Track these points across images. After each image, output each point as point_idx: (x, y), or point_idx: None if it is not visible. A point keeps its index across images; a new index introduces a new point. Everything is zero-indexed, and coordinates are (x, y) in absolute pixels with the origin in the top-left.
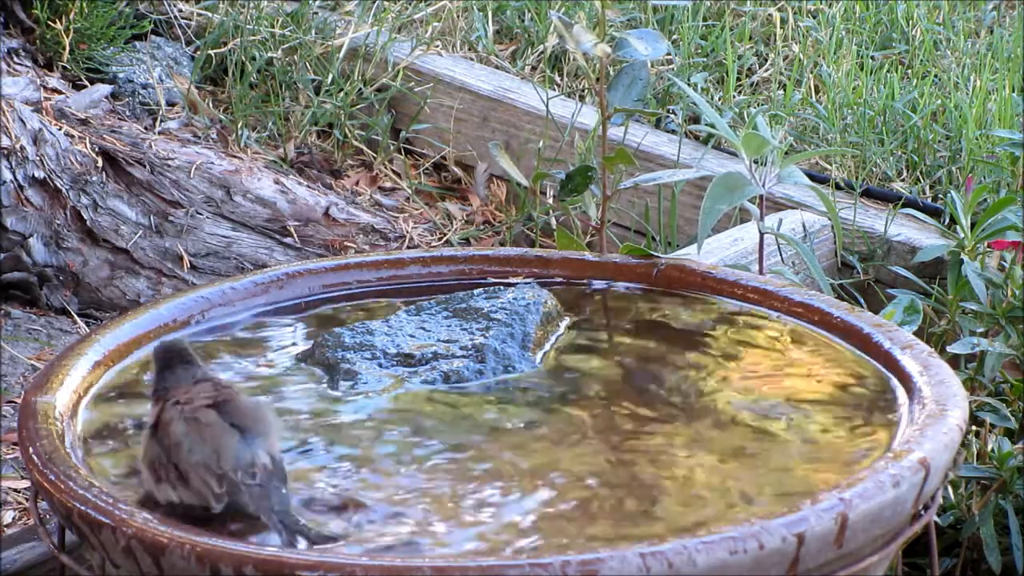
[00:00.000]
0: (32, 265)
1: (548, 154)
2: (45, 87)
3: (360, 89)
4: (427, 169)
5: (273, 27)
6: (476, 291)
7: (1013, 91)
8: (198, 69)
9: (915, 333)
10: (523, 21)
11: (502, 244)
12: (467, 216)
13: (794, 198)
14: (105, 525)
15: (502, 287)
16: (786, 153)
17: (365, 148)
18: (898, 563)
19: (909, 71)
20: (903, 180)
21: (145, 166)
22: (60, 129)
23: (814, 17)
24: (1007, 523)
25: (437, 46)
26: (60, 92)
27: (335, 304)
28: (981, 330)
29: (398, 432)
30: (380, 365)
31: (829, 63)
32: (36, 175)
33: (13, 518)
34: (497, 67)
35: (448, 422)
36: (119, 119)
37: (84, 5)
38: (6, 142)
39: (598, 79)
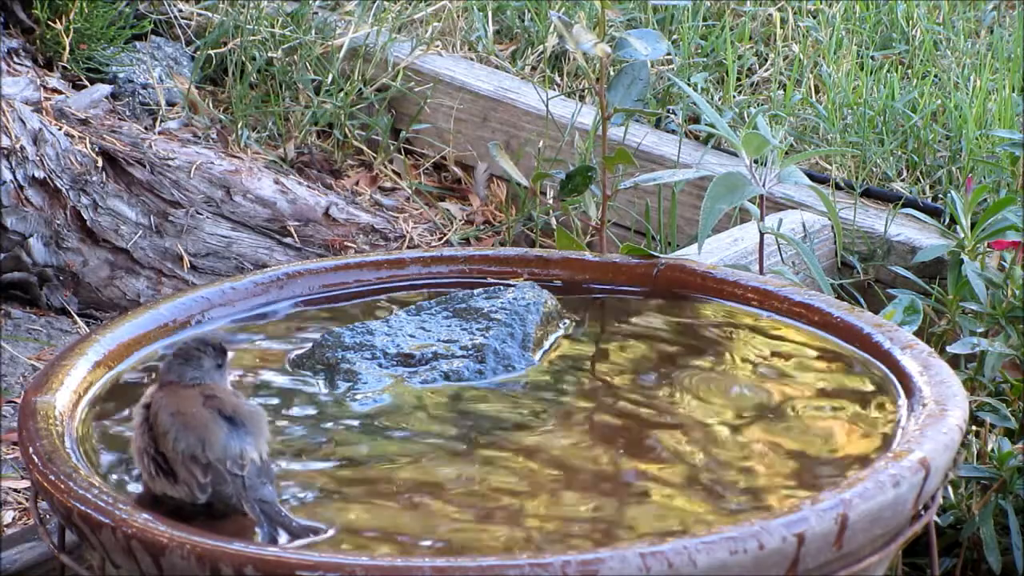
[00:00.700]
0: (32, 265)
1: (548, 154)
2: (45, 87)
3: (360, 89)
4: (427, 169)
5: (273, 27)
6: (476, 291)
7: (1013, 91)
8: (198, 69)
9: (915, 333)
10: (523, 21)
11: (502, 244)
12: (467, 216)
13: (794, 198)
14: (105, 525)
15: (502, 287)
16: (786, 153)
17: (365, 148)
18: (898, 563)
19: (909, 71)
20: (903, 180)
21: (145, 166)
22: (60, 129)
23: (814, 17)
24: (1007, 523)
25: (437, 46)
26: (60, 92)
27: (335, 304)
28: (981, 330)
29: (397, 432)
30: (380, 365)
31: (829, 63)
32: (36, 175)
33: (13, 518)
34: (497, 67)
35: (448, 422)
36: (119, 119)
37: (84, 5)
38: (6, 142)
39: (598, 79)
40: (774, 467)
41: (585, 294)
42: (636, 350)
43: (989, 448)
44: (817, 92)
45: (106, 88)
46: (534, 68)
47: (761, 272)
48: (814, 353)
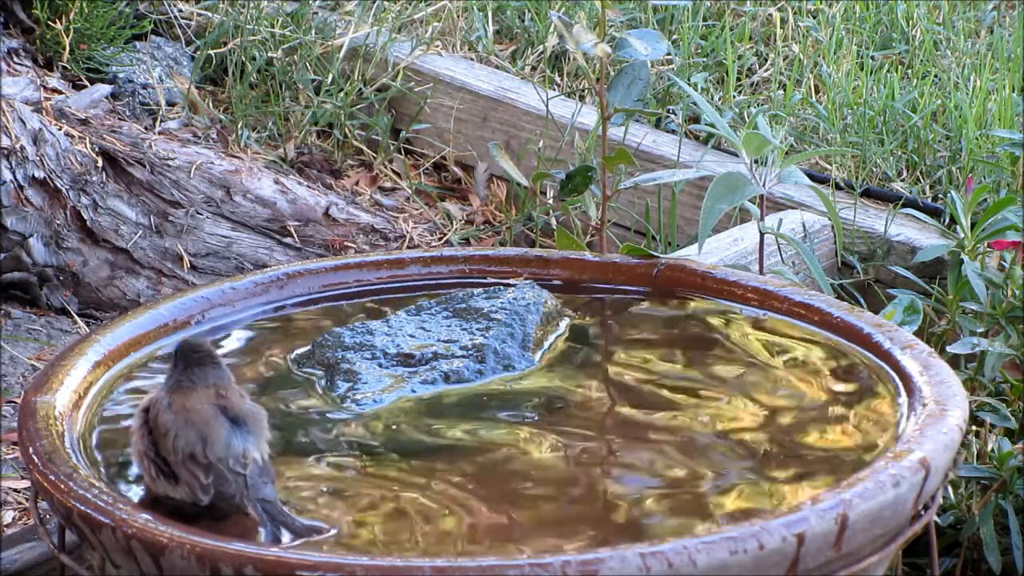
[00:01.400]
0: (32, 265)
1: (548, 154)
2: (45, 87)
3: (360, 89)
4: (427, 169)
5: (273, 27)
6: (476, 291)
7: (1013, 91)
8: (198, 69)
9: (915, 333)
10: (523, 21)
11: (502, 244)
12: (467, 216)
13: (794, 198)
14: (105, 525)
15: (502, 287)
16: (786, 153)
17: (365, 148)
18: (898, 563)
19: (909, 71)
20: (903, 180)
21: (145, 166)
22: (60, 129)
23: (814, 17)
24: (1007, 523)
25: (437, 46)
26: (60, 92)
27: (335, 304)
28: (981, 330)
29: (397, 432)
30: (380, 365)
31: (829, 63)
32: (36, 175)
33: (13, 518)
34: (497, 67)
35: (448, 422)
36: (119, 119)
37: (84, 5)
38: (6, 142)
39: (598, 79)
40: (774, 467)
41: (585, 294)
42: (636, 350)
43: (989, 448)
44: (817, 92)
45: (106, 88)
46: (534, 68)
47: (761, 272)
48: (814, 353)
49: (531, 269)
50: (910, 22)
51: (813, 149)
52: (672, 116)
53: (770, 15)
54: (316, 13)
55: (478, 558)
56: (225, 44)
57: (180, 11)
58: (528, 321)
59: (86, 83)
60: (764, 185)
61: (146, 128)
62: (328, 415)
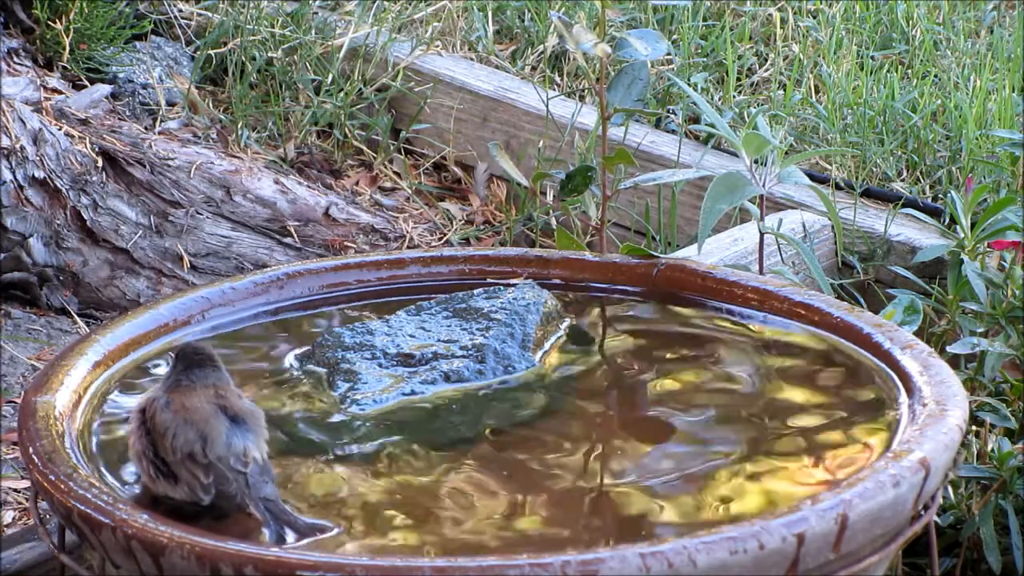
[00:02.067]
0: (32, 265)
1: (548, 154)
2: (45, 87)
3: (360, 89)
4: (427, 169)
5: (273, 27)
6: (476, 291)
7: (1013, 91)
8: (198, 69)
9: (915, 333)
10: (523, 21)
11: (502, 244)
12: (467, 216)
13: (794, 198)
14: (105, 525)
15: (502, 287)
16: (786, 153)
17: (365, 148)
18: (898, 563)
19: (909, 71)
20: (903, 180)
21: (145, 166)
22: (60, 129)
23: (814, 17)
24: (1007, 523)
25: (437, 46)
26: (60, 92)
27: (335, 304)
28: (981, 330)
29: (397, 432)
30: (380, 365)
31: (829, 63)
32: (36, 175)
33: (13, 518)
34: (497, 67)
35: (448, 422)
36: (119, 119)
37: (84, 5)
38: (6, 142)
39: (598, 79)
40: (774, 466)
41: (585, 294)
42: (636, 350)
43: (989, 448)
44: (817, 92)
45: (106, 88)
46: (534, 68)
47: (761, 272)
48: (814, 353)
49: (531, 269)
50: (910, 22)
51: (813, 149)
52: (672, 116)
53: (770, 15)
54: (316, 13)
55: (478, 558)
56: (225, 44)
57: (180, 11)
58: (528, 321)
59: (86, 83)
60: (764, 185)
61: (146, 128)
62: (328, 415)
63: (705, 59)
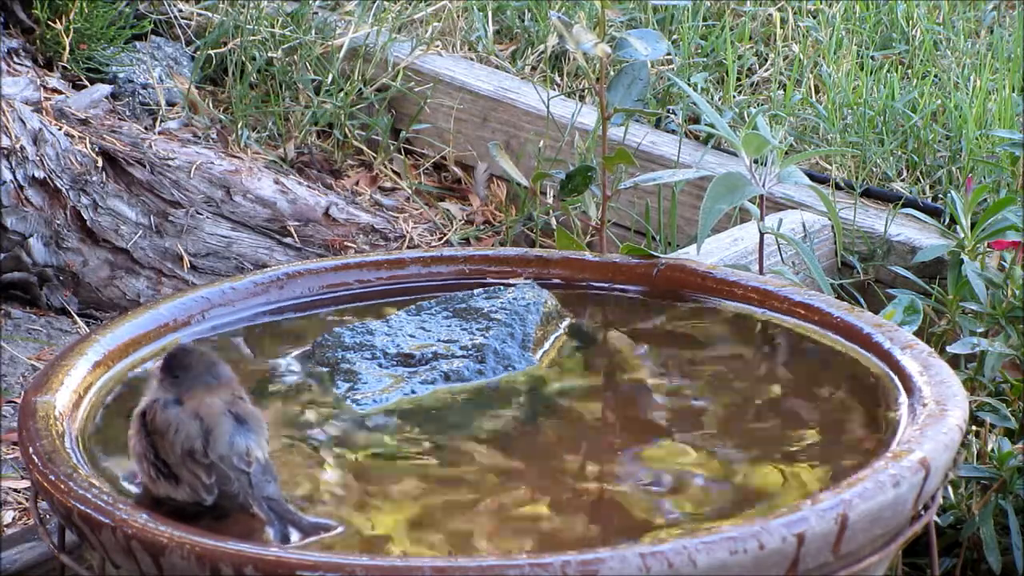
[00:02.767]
0: (32, 265)
1: (548, 154)
2: (45, 87)
3: (360, 89)
4: (427, 169)
5: (273, 27)
6: (476, 291)
7: (1013, 91)
8: (198, 69)
9: (915, 333)
10: (523, 21)
11: (502, 244)
12: (467, 216)
13: (794, 198)
14: (105, 525)
15: (502, 287)
16: (786, 153)
17: (365, 148)
18: (898, 563)
19: (909, 71)
20: (903, 180)
21: (145, 166)
22: (60, 129)
23: (814, 17)
24: (1007, 523)
25: (437, 46)
26: (60, 92)
27: (335, 304)
28: (981, 330)
29: (397, 432)
30: (380, 365)
31: (829, 63)
32: (36, 175)
33: (13, 518)
34: (497, 67)
35: (448, 422)
36: (119, 119)
37: (84, 5)
38: (6, 142)
39: (598, 79)
40: (773, 466)
41: (585, 294)
42: (636, 350)
43: (989, 448)
44: (817, 92)
45: (106, 88)
46: (534, 68)
47: (761, 272)
48: (814, 353)
49: (531, 269)
50: (910, 22)
51: (813, 149)
52: (672, 116)
53: (770, 15)
54: (316, 13)
55: (478, 558)
56: (225, 44)
57: (180, 11)
58: (528, 321)
59: (86, 83)
60: (764, 185)
61: (146, 128)
62: (328, 415)
63: (705, 59)
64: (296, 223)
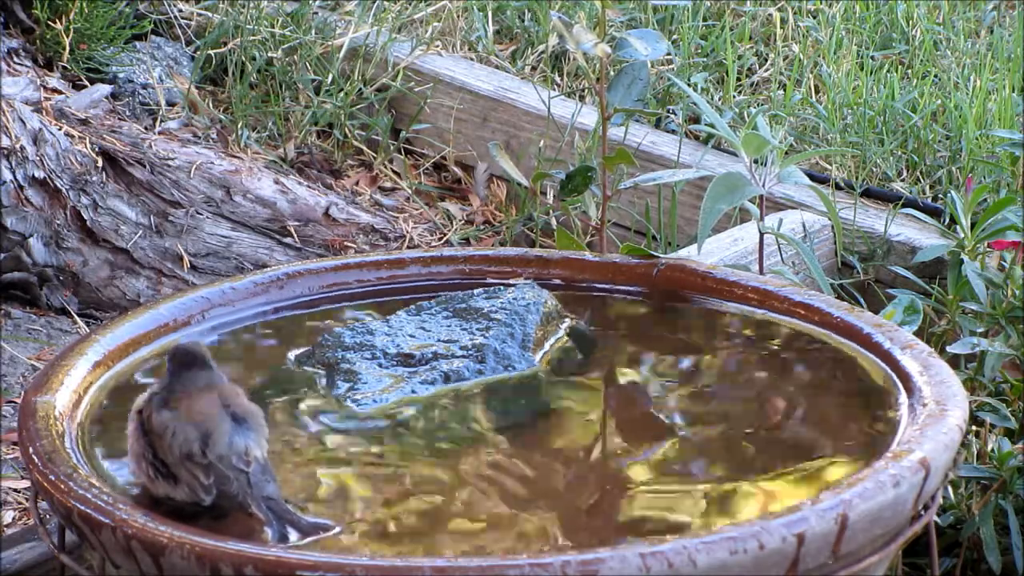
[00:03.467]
0: (32, 265)
1: (548, 154)
2: (45, 87)
3: (360, 89)
4: (427, 169)
5: (273, 27)
6: (476, 291)
7: (1013, 91)
8: (198, 69)
9: (915, 333)
10: (523, 21)
11: (502, 244)
12: (467, 216)
13: (794, 198)
14: (105, 525)
15: (502, 287)
16: (786, 153)
17: (365, 148)
18: (898, 563)
19: (909, 71)
20: (903, 180)
21: (145, 166)
22: (60, 129)
23: (814, 17)
24: (1007, 523)
25: (437, 46)
26: (60, 92)
27: (335, 304)
28: (981, 330)
29: (397, 432)
30: (380, 365)
31: (829, 63)
32: (36, 175)
33: (13, 518)
34: (497, 67)
35: (448, 422)
36: (119, 119)
37: (84, 5)
38: (6, 142)
39: (598, 79)
40: (773, 467)
41: (585, 294)
42: (636, 350)
43: (989, 448)
44: (817, 92)
45: (106, 88)
46: (534, 68)
47: (761, 272)
48: (814, 353)
49: (531, 269)
50: (910, 22)
51: (813, 149)
52: (672, 116)
53: (770, 15)
54: (316, 13)
55: (478, 558)
56: (225, 44)
57: (180, 11)
58: (528, 321)
59: (86, 83)
60: (764, 185)
61: (146, 128)
62: (328, 415)
63: (705, 59)
64: (296, 223)
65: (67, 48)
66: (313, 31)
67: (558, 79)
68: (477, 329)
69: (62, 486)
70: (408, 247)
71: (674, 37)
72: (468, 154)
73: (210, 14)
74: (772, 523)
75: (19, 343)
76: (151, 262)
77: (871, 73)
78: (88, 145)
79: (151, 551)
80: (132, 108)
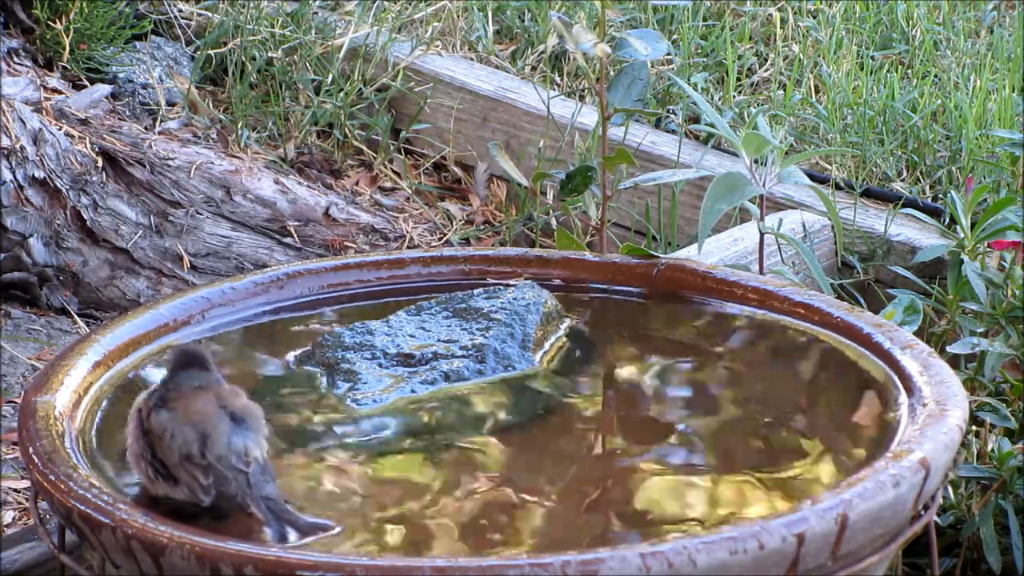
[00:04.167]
0: (32, 265)
1: (548, 154)
2: (45, 87)
3: (360, 89)
4: (427, 169)
5: (273, 27)
6: (476, 291)
7: (1013, 91)
8: (198, 69)
9: (915, 333)
10: (523, 21)
11: (502, 244)
12: (467, 216)
13: (794, 198)
14: (105, 525)
15: (502, 287)
16: (786, 153)
17: (365, 148)
18: (898, 563)
19: (909, 71)
20: (903, 180)
21: (145, 166)
22: (60, 129)
23: (814, 17)
24: (1007, 523)
25: (437, 46)
26: (60, 92)
27: (335, 304)
28: (981, 330)
29: (397, 432)
30: (380, 365)
31: (829, 63)
32: (36, 175)
33: (13, 518)
34: (497, 67)
35: (448, 422)
36: (119, 119)
37: (84, 5)
38: (6, 142)
39: (598, 79)
40: (773, 466)
41: (585, 294)
42: (636, 350)
43: (989, 448)
44: (817, 92)
45: (106, 88)
46: (534, 68)
47: (761, 272)
48: (814, 353)
49: (531, 269)
50: (910, 22)
51: (813, 149)
52: (672, 116)
53: (770, 15)
54: (316, 13)
55: (478, 558)
56: (225, 44)
57: (180, 11)
58: (528, 321)
59: (86, 83)
60: (764, 185)
61: (146, 128)
62: (328, 415)
63: (705, 59)
64: (296, 223)
65: (67, 48)
66: (313, 31)
67: (558, 79)
68: (477, 329)
69: (62, 486)
70: (408, 247)
71: (674, 37)
72: (468, 154)
73: (210, 14)
74: (772, 523)
75: (19, 343)
76: (151, 262)
77: (871, 73)
78: (88, 145)
79: (151, 551)
80: (132, 108)
